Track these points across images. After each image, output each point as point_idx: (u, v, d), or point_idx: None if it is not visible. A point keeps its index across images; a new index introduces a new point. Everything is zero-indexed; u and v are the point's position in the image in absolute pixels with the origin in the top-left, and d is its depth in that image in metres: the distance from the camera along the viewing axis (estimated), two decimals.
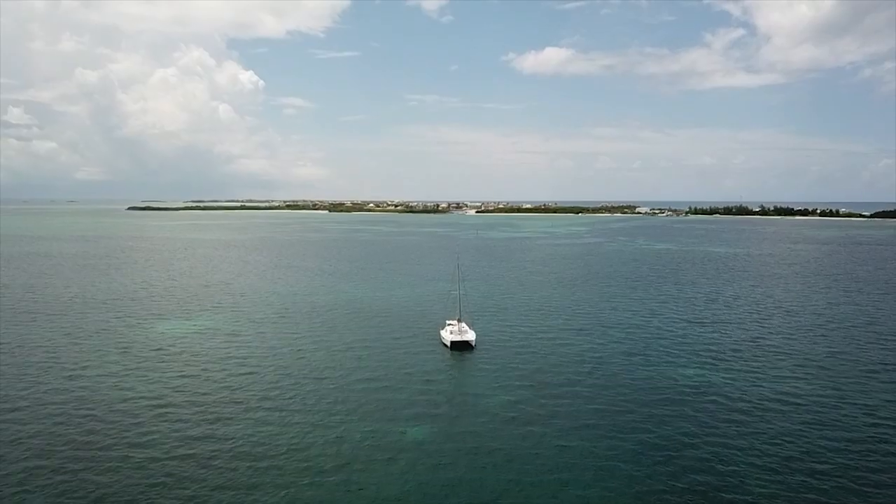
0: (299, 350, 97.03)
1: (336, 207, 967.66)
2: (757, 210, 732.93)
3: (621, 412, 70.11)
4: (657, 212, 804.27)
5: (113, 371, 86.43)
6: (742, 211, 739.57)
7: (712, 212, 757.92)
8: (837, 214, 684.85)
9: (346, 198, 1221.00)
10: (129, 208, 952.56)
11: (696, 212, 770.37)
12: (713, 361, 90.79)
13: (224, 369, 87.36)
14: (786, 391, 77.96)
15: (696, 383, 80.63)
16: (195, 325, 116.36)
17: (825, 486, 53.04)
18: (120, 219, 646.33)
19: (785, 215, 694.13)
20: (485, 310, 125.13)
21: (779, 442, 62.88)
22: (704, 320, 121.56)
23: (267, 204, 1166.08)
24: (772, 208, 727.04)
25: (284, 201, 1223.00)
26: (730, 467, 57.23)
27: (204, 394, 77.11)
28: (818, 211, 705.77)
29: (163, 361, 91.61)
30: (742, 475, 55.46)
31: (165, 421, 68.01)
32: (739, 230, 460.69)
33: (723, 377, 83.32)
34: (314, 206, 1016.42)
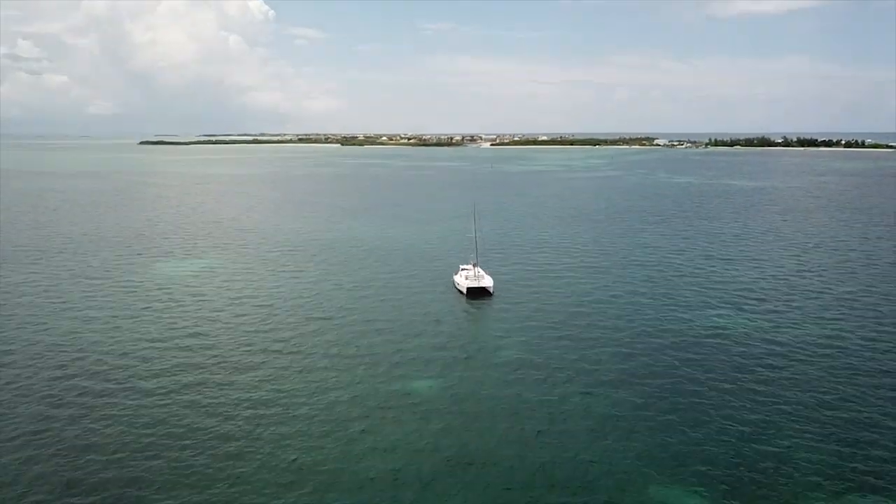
0: (310, 292, 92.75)
1: (348, 141, 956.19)
2: (779, 141, 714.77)
3: (650, 365, 65.27)
4: (676, 144, 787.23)
5: (123, 313, 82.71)
6: (764, 142, 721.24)
7: (733, 143, 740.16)
8: (863, 145, 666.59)
9: (359, 131, 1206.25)
10: (141, 143, 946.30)
11: (716, 143, 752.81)
12: (742, 303, 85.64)
13: (234, 311, 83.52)
14: (822, 334, 72.77)
15: (726, 326, 75.63)
16: (204, 264, 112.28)
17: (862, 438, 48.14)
18: (131, 154, 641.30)
19: (808, 146, 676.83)
20: (501, 250, 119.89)
21: (813, 388, 58.12)
22: (731, 257, 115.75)
23: (279, 138, 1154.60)
24: (795, 139, 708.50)
25: (297, 135, 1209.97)
26: (761, 416, 52.56)
27: (214, 336, 73.64)
28: (843, 142, 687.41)
29: (173, 303, 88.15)
30: (777, 425, 50.79)
31: (174, 367, 64.31)
32: (762, 162, 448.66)
33: (752, 320, 78.23)
34: (326, 140, 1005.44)
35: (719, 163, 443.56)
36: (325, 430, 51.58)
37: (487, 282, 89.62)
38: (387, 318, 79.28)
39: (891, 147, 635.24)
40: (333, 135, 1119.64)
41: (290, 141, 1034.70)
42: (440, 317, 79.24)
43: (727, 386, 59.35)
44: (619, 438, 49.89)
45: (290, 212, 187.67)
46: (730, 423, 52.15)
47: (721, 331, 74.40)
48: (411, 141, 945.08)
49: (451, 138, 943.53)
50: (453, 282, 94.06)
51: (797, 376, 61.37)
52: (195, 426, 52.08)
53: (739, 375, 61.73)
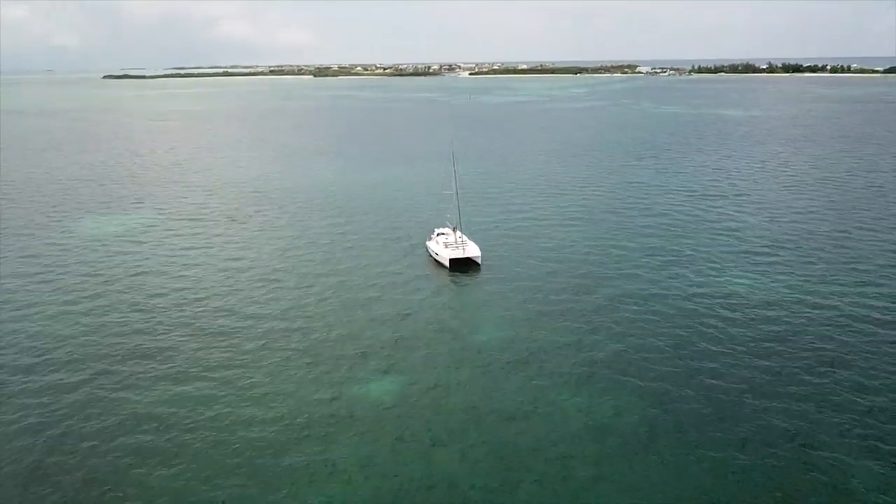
0: (251, 258, 79.07)
1: (322, 72, 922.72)
2: (764, 67, 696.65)
3: (665, 344, 53.54)
4: (659, 71, 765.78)
5: (55, 269, 69.63)
6: (749, 69, 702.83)
7: (717, 70, 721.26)
8: (849, 70, 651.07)
9: (334, 62, 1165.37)
10: (105, 77, 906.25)
11: (699, 70, 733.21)
12: (752, 259, 73.82)
13: (171, 274, 70.85)
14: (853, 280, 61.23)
15: (742, 294, 63.73)
16: (139, 221, 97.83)
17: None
18: (93, 89, 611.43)
19: (794, 72, 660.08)
20: (484, 200, 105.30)
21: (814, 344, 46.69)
22: (733, 197, 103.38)
23: (251, 70, 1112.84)
24: (780, 65, 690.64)
25: (269, 67, 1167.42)
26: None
27: (150, 299, 61.33)
28: (828, 67, 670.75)
29: (110, 259, 78.38)
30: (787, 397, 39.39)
31: (102, 333, 54.02)
32: (749, 89, 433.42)
33: (763, 281, 66.33)
34: (299, 72, 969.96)
35: (705, 91, 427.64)
36: (242, 462, 39.21)
37: (473, 250, 72.86)
38: (349, 297, 64.10)
39: (876, 72, 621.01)
40: (306, 66, 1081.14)
41: (262, 73, 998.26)
42: (419, 295, 63.99)
43: (741, 353, 47.63)
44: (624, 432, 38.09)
45: (248, 153, 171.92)
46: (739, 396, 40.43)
47: (740, 298, 62.52)
48: (387, 71, 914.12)
49: (429, 68, 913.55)
50: (427, 249, 77.14)
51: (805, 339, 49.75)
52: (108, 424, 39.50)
53: (752, 344, 50.07)
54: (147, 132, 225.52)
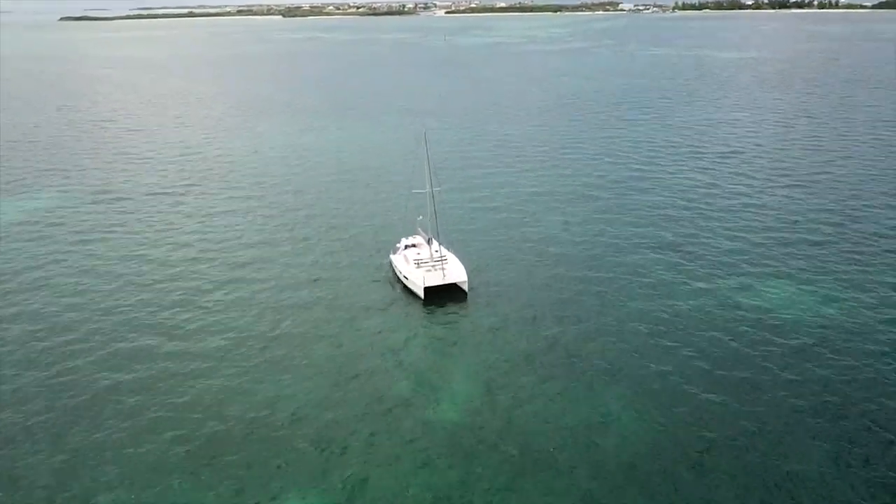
0: (156, 268, 62.43)
1: (291, 12, 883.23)
2: (750, 4, 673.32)
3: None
4: (642, 9, 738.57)
5: None
6: (734, 5, 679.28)
7: (701, 7, 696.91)
8: (837, 6, 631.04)
9: (304, 1, 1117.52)
10: (62, 19, 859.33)
11: (683, 7, 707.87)
12: (783, 262, 58.66)
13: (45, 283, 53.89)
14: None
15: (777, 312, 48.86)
16: (36, 206, 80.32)
17: None
18: (47, 33, 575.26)
19: (780, 8, 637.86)
20: (463, 178, 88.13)
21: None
22: (752, 160, 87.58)
23: (218, 10, 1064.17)
24: (766, 1, 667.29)
25: (237, 7, 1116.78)
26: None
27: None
28: (816, 3, 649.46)
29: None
30: None
31: None
32: (736, 28, 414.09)
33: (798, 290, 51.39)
34: (268, 12, 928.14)
35: (692, 30, 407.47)
36: None
37: (457, 272, 52.80)
38: (253, 359, 44.26)
39: (864, 7, 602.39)
40: (276, 6, 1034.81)
41: (230, 14, 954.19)
42: (372, 345, 45.27)
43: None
44: None
45: (196, 110, 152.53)
46: None
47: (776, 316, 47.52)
48: (360, 10, 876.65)
49: (404, 7, 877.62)
50: (393, 267, 56.88)
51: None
52: None
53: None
54: (88, 84, 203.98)
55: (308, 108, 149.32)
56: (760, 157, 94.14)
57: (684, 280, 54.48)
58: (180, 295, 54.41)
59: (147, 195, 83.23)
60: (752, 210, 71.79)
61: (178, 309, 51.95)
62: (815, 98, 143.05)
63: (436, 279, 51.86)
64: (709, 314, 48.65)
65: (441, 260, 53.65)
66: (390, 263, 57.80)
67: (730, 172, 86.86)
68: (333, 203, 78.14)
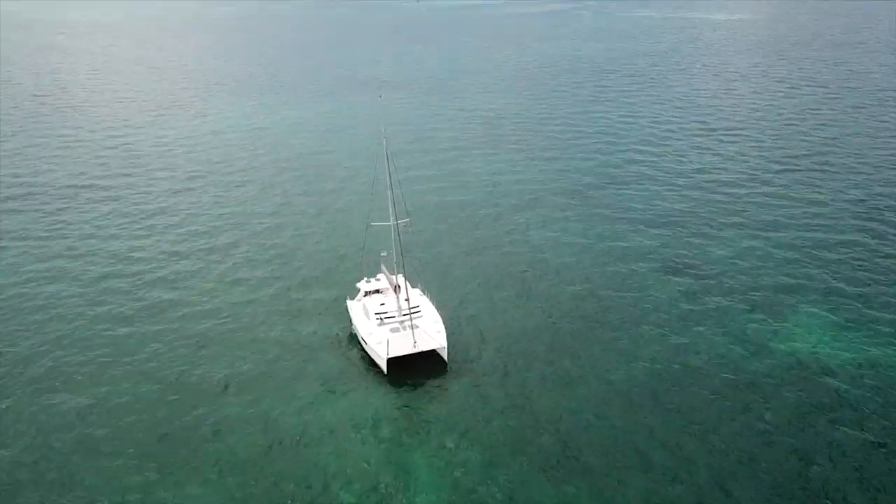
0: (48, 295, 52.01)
1: None
2: None
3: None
4: None
5: None
6: None
7: None
8: None
9: None
10: None
11: None
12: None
13: None
14: None
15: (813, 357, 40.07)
16: None
17: None
18: None
19: None
20: (430, 166, 78.12)
21: None
22: (770, 141, 78.27)
23: None
24: None
25: None
26: None
27: None
28: None
29: None
30: None
31: None
32: None
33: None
34: None
35: None
36: None
37: (432, 334, 40.10)
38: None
39: None
40: None
41: None
42: (317, 461, 32.65)
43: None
44: None
45: (143, 84, 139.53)
46: None
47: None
48: None
49: None
50: (350, 317, 44.18)
51: None
52: None
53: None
54: (35, 53, 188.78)
55: (264, 83, 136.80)
56: (767, 137, 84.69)
57: (703, 316, 45.24)
58: (86, 332, 44.18)
59: (63, 189, 72.18)
60: (782, 222, 62.48)
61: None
62: (813, 64, 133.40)
63: (404, 346, 38.88)
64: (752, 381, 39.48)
65: (412, 313, 41.06)
66: (346, 311, 44.96)
67: (739, 156, 77.36)
68: (277, 218, 67.10)
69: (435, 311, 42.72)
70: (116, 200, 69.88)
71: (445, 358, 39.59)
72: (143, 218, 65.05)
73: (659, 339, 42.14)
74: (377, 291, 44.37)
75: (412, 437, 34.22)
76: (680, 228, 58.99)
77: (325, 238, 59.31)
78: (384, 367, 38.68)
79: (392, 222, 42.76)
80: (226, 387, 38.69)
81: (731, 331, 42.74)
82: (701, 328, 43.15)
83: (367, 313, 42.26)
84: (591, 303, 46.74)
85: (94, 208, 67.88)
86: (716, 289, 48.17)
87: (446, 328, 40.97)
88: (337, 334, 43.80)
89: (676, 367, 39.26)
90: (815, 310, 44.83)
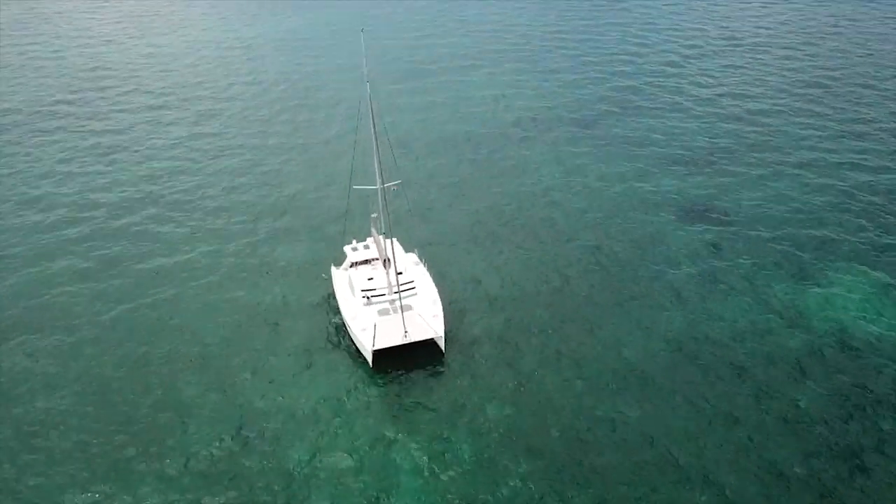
0: None
1: None
2: None
3: None
4: None
5: None
6: None
7: None
8: None
9: None
10: None
11: None
12: None
13: None
14: None
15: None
16: None
17: None
18: None
19: None
20: (415, 111, 69.47)
21: None
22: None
23: None
24: None
25: None
26: None
27: None
28: None
29: None
30: None
31: None
32: None
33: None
34: None
35: None
36: None
37: (428, 320, 33.72)
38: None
39: None
40: None
41: None
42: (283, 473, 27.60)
43: None
44: None
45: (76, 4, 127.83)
46: None
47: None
48: None
49: None
50: (334, 291, 37.63)
51: None
52: None
53: None
54: None
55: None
56: (803, 52, 76.29)
57: (728, 276, 39.37)
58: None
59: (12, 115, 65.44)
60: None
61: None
62: None
63: (393, 335, 32.58)
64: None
65: (405, 290, 34.95)
66: (331, 281, 38.43)
67: (772, 76, 69.51)
68: (254, 153, 60.48)
69: (432, 285, 36.49)
70: (70, 131, 63.17)
71: (442, 347, 33.44)
72: (101, 154, 58.45)
73: (678, 305, 36.77)
74: (366, 262, 37.61)
75: (399, 430, 29.45)
76: (705, 165, 52.60)
77: (308, 178, 53.03)
78: (369, 359, 32.70)
79: (378, 186, 35.26)
80: (189, 361, 33.81)
81: (760, 295, 37.19)
82: (725, 291, 37.66)
83: (352, 288, 36.04)
84: (604, 260, 41.16)
85: (46, 140, 61.24)
86: (743, 240, 42.37)
87: (444, 304, 35.00)
88: (318, 303, 38.13)
89: (698, 340, 34.06)
90: (861, 268, 39.12)
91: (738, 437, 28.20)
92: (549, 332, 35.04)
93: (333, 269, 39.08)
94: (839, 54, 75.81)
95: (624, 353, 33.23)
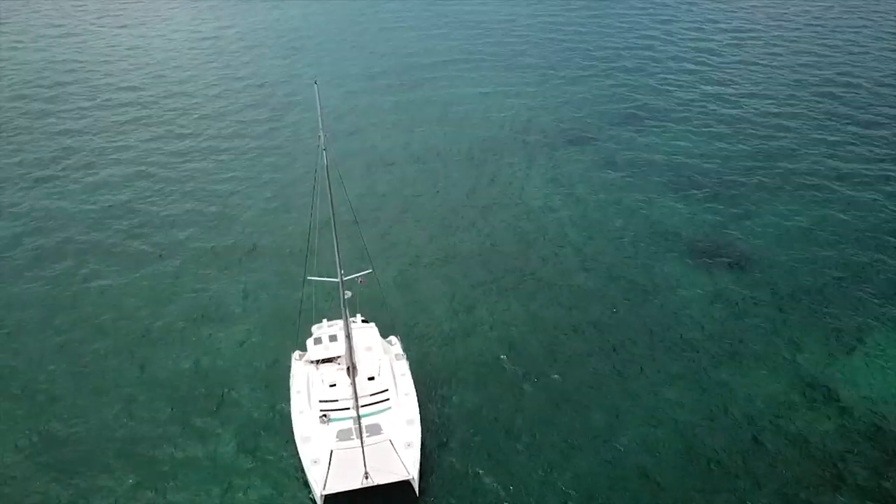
0: None
1: None
2: None
3: None
4: None
5: None
6: None
7: None
8: None
9: None
10: None
11: None
12: None
13: None
14: None
15: None
16: None
17: None
18: None
19: None
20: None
21: None
22: None
23: None
24: None
25: None
26: None
27: None
28: None
29: None
30: None
31: None
32: None
33: None
34: None
35: None
36: None
37: (399, 457, 27.45)
38: None
39: None
40: None
41: None
42: None
43: None
44: None
45: None
46: None
47: None
48: None
49: None
50: (291, 402, 31.01)
51: None
52: None
53: None
54: None
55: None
56: (840, 52, 71.78)
57: (744, 336, 36.87)
58: None
59: None
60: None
61: None
62: None
63: (351, 474, 26.49)
64: None
65: (376, 404, 29.30)
66: (289, 385, 32.09)
67: (802, 85, 65.25)
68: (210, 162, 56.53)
69: (412, 391, 30.33)
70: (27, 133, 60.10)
71: (416, 489, 27.23)
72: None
73: (685, 377, 34.03)
74: (330, 360, 31.18)
75: None
76: (719, 190, 49.50)
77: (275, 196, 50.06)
78: (319, 503, 26.64)
79: (339, 279, 29.13)
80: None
81: (779, 364, 34.33)
82: (741, 357, 34.92)
83: (308, 398, 29.90)
84: (601, 316, 38.37)
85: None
86: (763, 288, 39.41)
87: (420, 441, 28.00)
88: (279, 415, 32.15)
89: (708, 424, 31.39)
90: None
91: None
92: (533, 407, 32.47)
93: (295, 357, 32.84)
94: (862, 68, 71.40)
95: (621, 445, 30.67)
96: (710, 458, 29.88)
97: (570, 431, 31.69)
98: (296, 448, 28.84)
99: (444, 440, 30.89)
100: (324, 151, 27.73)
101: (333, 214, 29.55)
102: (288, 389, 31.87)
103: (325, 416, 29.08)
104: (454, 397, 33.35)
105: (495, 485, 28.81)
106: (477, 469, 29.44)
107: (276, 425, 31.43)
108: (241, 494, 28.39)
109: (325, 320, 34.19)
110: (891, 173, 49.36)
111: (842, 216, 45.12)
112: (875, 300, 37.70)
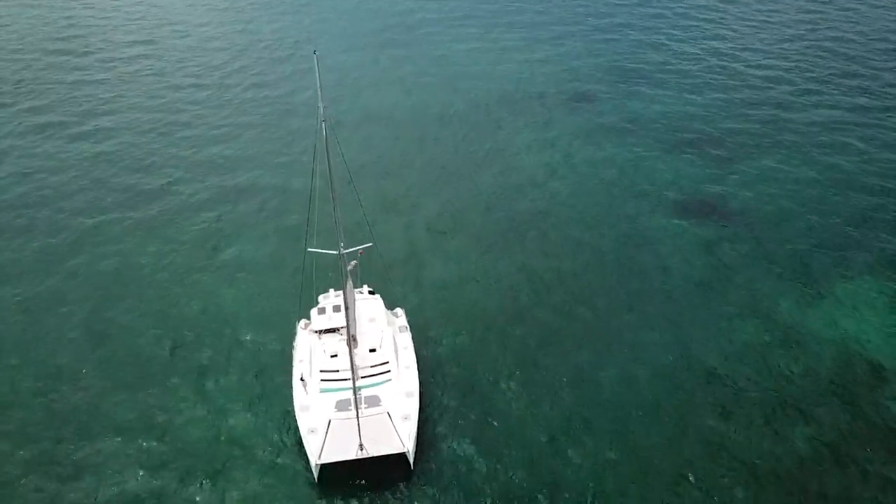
0: None
1: None
2: None
3: None
4: None
5: None
6: None
7: None
8: None
9: None
10: None
11: None
12: None
13: None
14: None
15: None
16: None
17: None
18: None
19: None
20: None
21: None
22: None
23: None
24: None
25: None
26: None
27: None
28: None
29: None
30: None
31: None
32: None
33: None
34: None
35: None
36: None
37: (396, 430, 27.64)
38: None
39: None
40: None
41: None
42: None
43: None
44: None
45: None
46: None
47: None
48: None
49: None
50: (293, 372, 31.40)
51: None
52: None
53: None
54: None
55: None
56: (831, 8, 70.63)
57: (726, 285, 37.47)
58: None
59: None
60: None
61: None
62: None
63: (347, 445, 26.74)
64: None
65: (376, 375, 29.31)
66: (292, 356, 32.32)
67: (793, 48, 64.19)
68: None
69: (413, 362, 30.57)
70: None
71: (411, 462, 27.57)
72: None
73: (670, 322, 34.99)
74: (334, 330, 30.99)
75: None
76: (710, 148, 49.54)
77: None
78: (314, 472, 27.21)
79: (339, 251, 28.34)
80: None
81: (761, 308, 35.65)
82: (723, 304, 35.98)
83: (309, 367, 30.15)
84: (588, 266, 39.26)
85: None
86: (746, 240, 40.72)
87: (417, 415, 28.27)
88: (283, 383, 32.68)
89: (691, 367, 32.41)
90: (882, 280, 36.67)
91: (729, 492, 26.69)
92: (522, 350, 33.04)
93: (300, 326, 33.23)
94: (863, 36, 70.72)
95: (603, 381, 31.22)
96: (686, 391, 30.74)
97: (555, 371, 32.34)
98: (295, 417, 29.37)
99: (438, 378, 31.94)
100: (323, 123, 27.09)
101: (332, 186, 28.87)
102: (291, 358, 32.19)
103: (324, 384, 29.25)
104: (444, 340, 34.35)
105: (487, 418, 29.95)
106: (470, 406, 30.49)
107: (280, 393, 31.69)
108: (240, 465, 28.40)
109: (331, 290, 34.61)
110: (875, 128, 48.94)
111: (827, 172, 46.12)
112: (853, 250, 39.08)
